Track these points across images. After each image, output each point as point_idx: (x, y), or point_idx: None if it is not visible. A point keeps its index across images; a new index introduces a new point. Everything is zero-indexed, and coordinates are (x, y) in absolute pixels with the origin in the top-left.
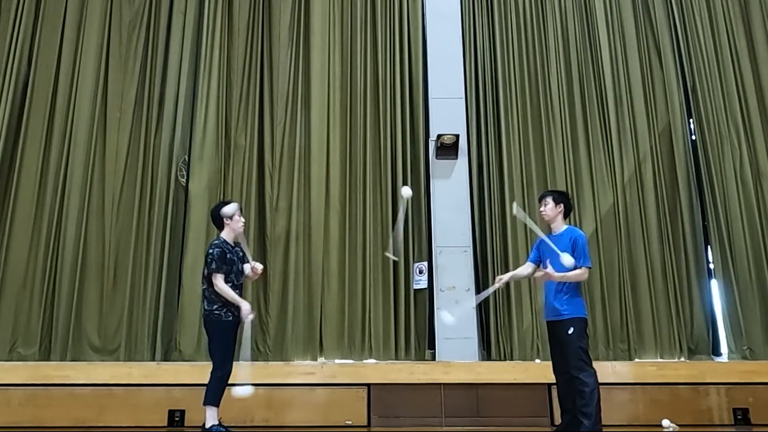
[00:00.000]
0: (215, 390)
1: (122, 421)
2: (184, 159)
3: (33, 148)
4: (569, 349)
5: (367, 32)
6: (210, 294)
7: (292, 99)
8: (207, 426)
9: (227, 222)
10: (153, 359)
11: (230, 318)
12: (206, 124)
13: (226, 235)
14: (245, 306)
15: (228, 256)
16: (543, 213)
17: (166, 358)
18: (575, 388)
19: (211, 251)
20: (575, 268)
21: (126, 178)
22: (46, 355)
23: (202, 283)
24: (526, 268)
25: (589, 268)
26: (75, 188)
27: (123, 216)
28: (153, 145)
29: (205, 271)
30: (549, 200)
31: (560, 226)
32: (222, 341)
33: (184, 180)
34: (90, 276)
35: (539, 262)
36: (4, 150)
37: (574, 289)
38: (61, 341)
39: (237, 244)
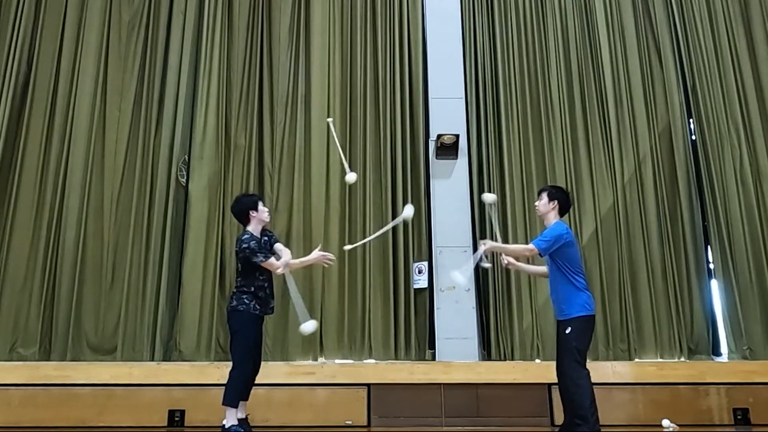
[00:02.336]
0: (233, 390)
1: (122, 421)
2: (184, 159)
3: (33, 148)
4: (564, 348)
5: (367, 32)
6: (240, 287)
7: (292, 99)
8: (226, 426)
9: (253, 215)
10: (153, 359)
11: (257, 312)
12: (206, 124)
13: (253, 228)
14: (316, 254)
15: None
16: (536, 207)
17: (166, 358)
18: (569, 389)
19: (245, 245)
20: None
21: (125, 178)
22: (45, 355)
23: (236, 281)
24: (539, 268)
25: (538, 247)
26: (74, 188)
27: (123, 216)
28: (153, 144)
29: (239, 267)
30: (544, 195)
31: (551, 221)
32: (246, 337)
33: (184, 180)
34: (90, 276)
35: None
36: (4, 150)
37: (571, 286)
38: (60, 341)
39: (264, 233)
